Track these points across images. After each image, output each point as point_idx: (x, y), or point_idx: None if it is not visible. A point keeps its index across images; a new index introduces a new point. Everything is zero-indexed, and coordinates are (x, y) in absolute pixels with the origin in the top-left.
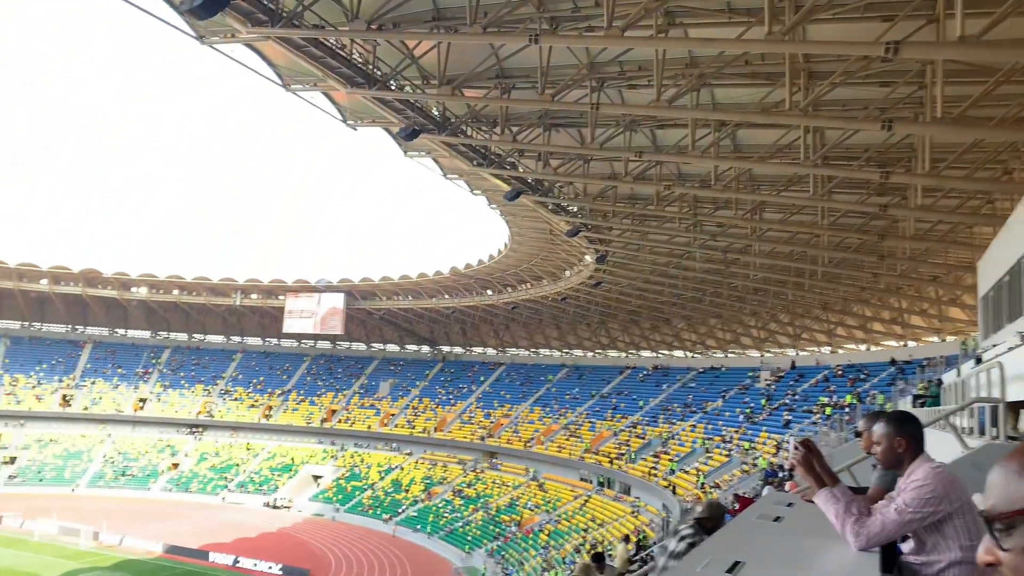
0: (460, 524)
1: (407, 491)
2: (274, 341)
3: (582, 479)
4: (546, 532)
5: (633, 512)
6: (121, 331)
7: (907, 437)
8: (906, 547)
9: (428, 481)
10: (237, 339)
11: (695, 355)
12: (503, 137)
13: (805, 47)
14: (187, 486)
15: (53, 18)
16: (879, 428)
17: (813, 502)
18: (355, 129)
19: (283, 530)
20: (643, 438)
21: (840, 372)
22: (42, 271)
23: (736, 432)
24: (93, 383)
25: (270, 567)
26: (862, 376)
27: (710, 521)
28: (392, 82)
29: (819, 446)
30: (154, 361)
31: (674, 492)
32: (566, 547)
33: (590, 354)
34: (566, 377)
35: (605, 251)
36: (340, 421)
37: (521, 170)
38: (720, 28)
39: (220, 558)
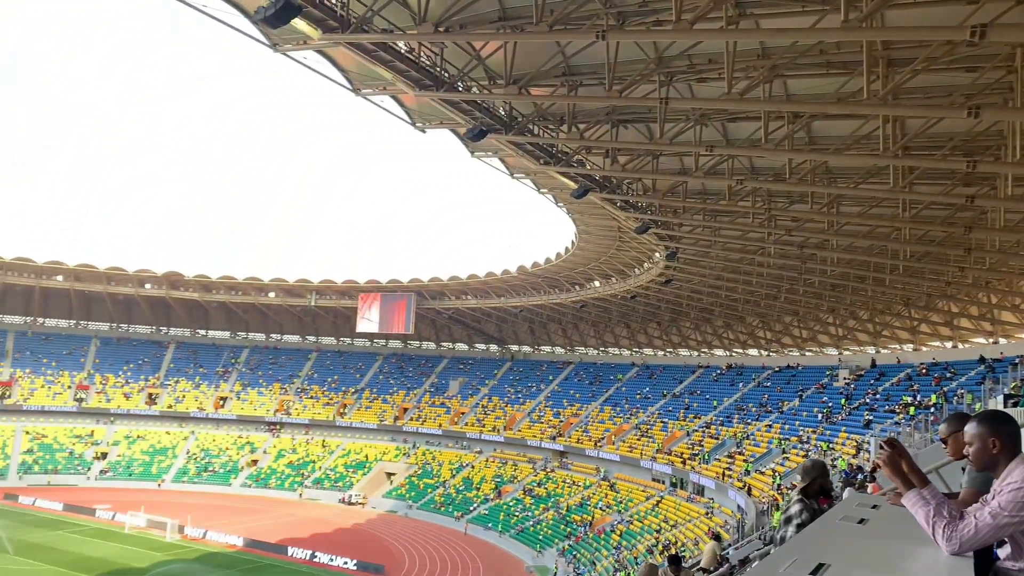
0: (531, 523)
1: (478, 489)
2: (347, 340)
3: (654, 479)
4: (618, 532)
5: (707, 513)
6: (202, 332)
7: (1002, 437)
8: (1003, 552)
9: (499, 479)
10: (312, 339)
11: (770, 353)
12: (570, 135)
13: (884, 34)
14: (266, 482)
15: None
16: (972, 428)
17: (901, 504)
18: (423, 131)
19: (358, 526)
20: (717, 438)
21: (924, 371)
22: (128, 274)
23: (813, 432)
24: (176, 382)
25: (345, 562)
26: (948, 375)
27: (814, 484)
28: (459, 83)
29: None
30: (233, 361)
31: (749, 493)
32: (638, 547)
33: (661, 353)
34: (636, 376)
35: (675, 248)
36: (412, 419)
37: (588, 167)
38: (793, 17)
39: (298, 553)
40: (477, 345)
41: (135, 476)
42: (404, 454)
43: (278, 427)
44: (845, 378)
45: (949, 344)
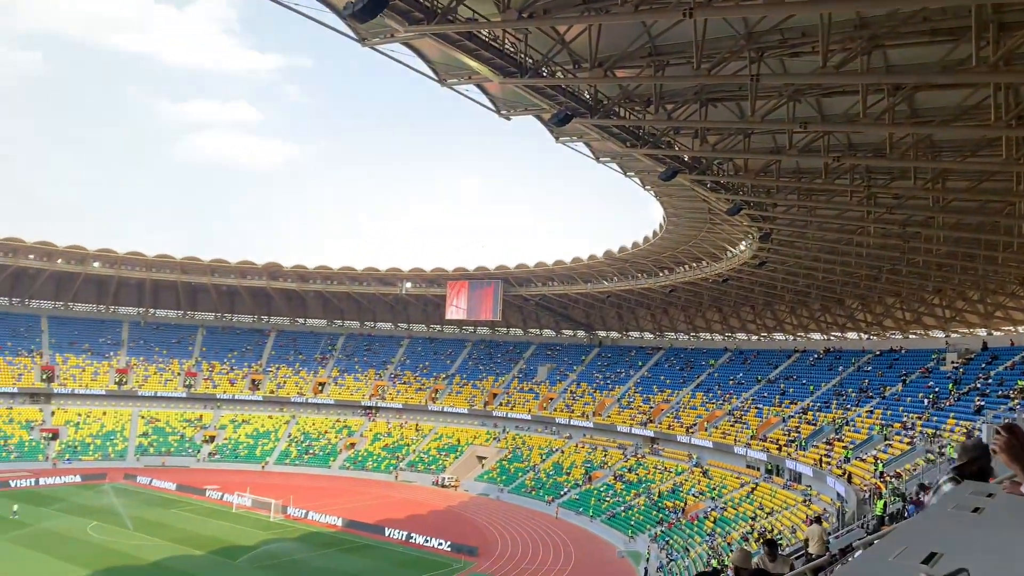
0: (622, 508)
1: (568, 474)
2: (437, 328)
3: (748, 466)
4: (711, 519)
5: (805, 501)
6: (300, 320)
7: None
8: None
9: (589, 465)
10: (404, 326)
11: (871, 337)
12: (657, 116)
13: None
14: (363, 464)
15: None
16: None
17: (1020, 493)
18: (508, 119)
19: (451, 508)
20: (814, 424)
21: None
22: (231, 266)
23: (919, 418)
24: (278, 369)
25: (440, 544)
26: None
27: (973, 465)
28: (543, 69)
29: None
30: (330, 348)
31: (849, 480)
32: (733, 534)
33: (754, 337)
34: (729, 362)
35: (769, 229)
36: (501, 404)
37: (677, 148)
38: None
39: (395, 533)
40: (564, 331)
41: (240, 458)
42: (494, 438)
43: (373, 411)
44: (953, 362)
45: None
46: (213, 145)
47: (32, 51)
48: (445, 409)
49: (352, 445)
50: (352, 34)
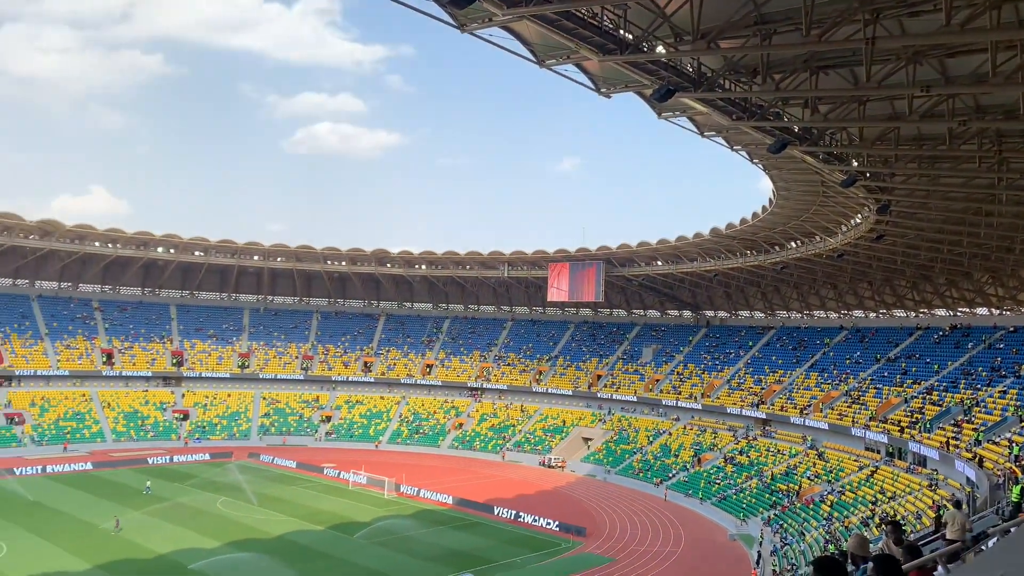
0: (733, 491)
1: (676, 456)
2: (539, 310)
3: (867, 448)
4: (828, 503)
5: (930, 485)
6: (408, 304)
7: None
8: None
9: (697, 447)
10: (506, 308)
11: (1004, 312)
12: (765, 87)
13: None
14: (470, 444)
15: None
16: None
17: None
18: (609, 96)
19: (558, 489)
20: (940, 405)
21: None
22: (341, 252)
23: None
24: (388, 351)
25: (548, 523)
26: None
27: None
28: (644, 44)
29: None
30: (436, 330)
31: (980, 464)
32: (851, 519)
33: (873, 315)
34: (845, 340)
35: (887, 200)
36: (606, 386)
37: (786, 119)
38: None
39: (503, 512)
40: (670, 312)
41: (355, 438)
42: (600, 420)
43: (479, 392)
44: None
45: None
46: (321, 137)
47: (154, 55)
48: (549, 390)
49: (460, 425)
50: (451, 21)
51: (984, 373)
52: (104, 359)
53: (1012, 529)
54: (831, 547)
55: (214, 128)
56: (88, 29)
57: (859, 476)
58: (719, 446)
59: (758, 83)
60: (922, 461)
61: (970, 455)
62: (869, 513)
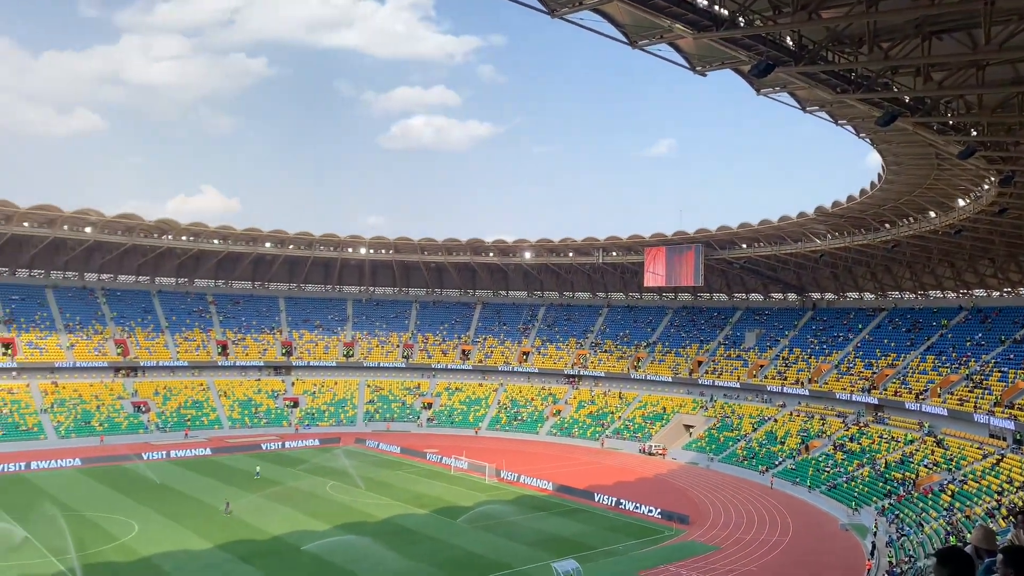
0: (844, 479)
1: (782, 443)
2: (636, 295)
3: (992, 435)
4: (948, 493)
5: None
6: (503, 292)
7: None
8: None
9: (805, 434)
10: (602, 295)
11: None
12: (872, 56)
13: None
14: (569, 431)
15: None
16: None
17: None
18: (704, 75)
19: (659, 476)
20: None
21: None
22: (438, 243)
23: None
24: (484, 339)
25: (650, 511)
26: None
27: None
28: (740, 18)
29: None
30: (531, 318)
31: None
32: (975, 510)
33: (996, 294)
34: (965, 321)
35: (1011, 171)
36: (707, 372)
37: (895, 90)
38: None
39: (604, 499)
40: (773, 294)
41: (455, 424)
42: (701, 407)
43: (576, 379)
44: None
45: None
46: (415, 130)
47: (258, 58)
48: (648, 377)
49: (558, 412)
50: (542, 7)
51: None
52: (219, 350)
53: None
54: (952, 539)
55: (315, 126)
56: (197, 36)
57: (983, 465)
58: (828, 433)
59: (864, 53)
60: None
61: None
62: (995, 504)
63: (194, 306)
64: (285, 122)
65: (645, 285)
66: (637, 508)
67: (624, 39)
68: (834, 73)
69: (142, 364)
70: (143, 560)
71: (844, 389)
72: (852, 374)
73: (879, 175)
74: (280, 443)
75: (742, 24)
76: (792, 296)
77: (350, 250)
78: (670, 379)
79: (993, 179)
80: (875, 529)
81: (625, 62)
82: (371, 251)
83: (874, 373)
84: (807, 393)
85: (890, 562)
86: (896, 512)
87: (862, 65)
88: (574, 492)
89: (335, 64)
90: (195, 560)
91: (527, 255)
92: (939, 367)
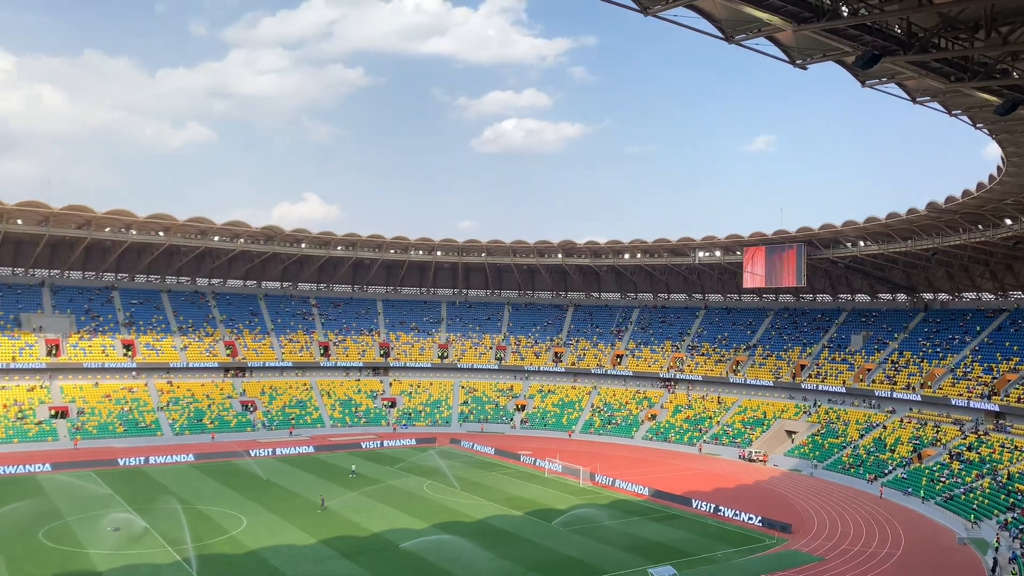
0: (961, 491)
1: (892, 451)
2: (734, 297)
3: None
4: None
5: None
6: (595, 294)
7: None
8: None
9: (917, 442)
10: (699, 297)
11: None
12: (989, 42)
13: None
14: (665, 436)
15: None
16: None
17: None
18: (804, 68)
19: (759, 483)
20: None
21: None
22: (529, 246)
23: None
24: (577, 342)
25: (750, 518)
26: None
27: None
28: (843, 7)
29: None
30: (625, 320)
31: None
32: None
33: None
34: None
35: None
36: (810, 376)
37: (1016, 76)
38: None
39: (702, 505)
40: (881, 295)
41: (549, 426)
42: (804, 412)
43: (672, 383)
44: None
45: None
46: (507, 134)
47: (355, 68)
48: (748, 381)
49: (653, 416)
50: (634, 5)
51: None
52: (321, 351)
53: None
54: None
55: (410, 132)
56: (298, 49)
57: None
58: (943, 441)
59: (980, 38)
60: None
61: None
62: None
63: (298, 309)
64: (381, 129)
65: (744, 286)
66: (737, 515)
67: (720, 34)
68: (947, 61)
69: (249, 365)
70: (252, 553)
71: (960, 395)
72: (970, 379)
73: (998, 167)
74: (379, 442)
75: (845, 14)
76: (901, 296)
77: (446, 253)
78: (771, 383)
79: None
80: (997, 544)
81: (718, 58)
82: (464, 254)
83: (995, 378)
84: (919, 399)
85: None
86: (1020, 526)
87: (978, 52)
88: (671, 497)
89: (429, 71)
90: (300, 555)
91: (622, 256)
92: None
